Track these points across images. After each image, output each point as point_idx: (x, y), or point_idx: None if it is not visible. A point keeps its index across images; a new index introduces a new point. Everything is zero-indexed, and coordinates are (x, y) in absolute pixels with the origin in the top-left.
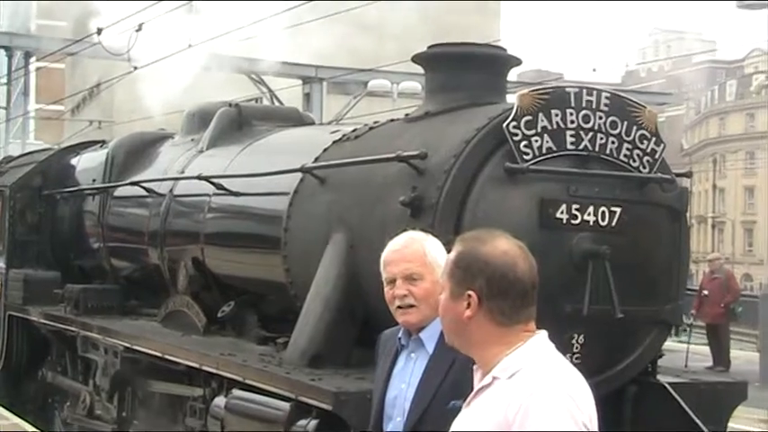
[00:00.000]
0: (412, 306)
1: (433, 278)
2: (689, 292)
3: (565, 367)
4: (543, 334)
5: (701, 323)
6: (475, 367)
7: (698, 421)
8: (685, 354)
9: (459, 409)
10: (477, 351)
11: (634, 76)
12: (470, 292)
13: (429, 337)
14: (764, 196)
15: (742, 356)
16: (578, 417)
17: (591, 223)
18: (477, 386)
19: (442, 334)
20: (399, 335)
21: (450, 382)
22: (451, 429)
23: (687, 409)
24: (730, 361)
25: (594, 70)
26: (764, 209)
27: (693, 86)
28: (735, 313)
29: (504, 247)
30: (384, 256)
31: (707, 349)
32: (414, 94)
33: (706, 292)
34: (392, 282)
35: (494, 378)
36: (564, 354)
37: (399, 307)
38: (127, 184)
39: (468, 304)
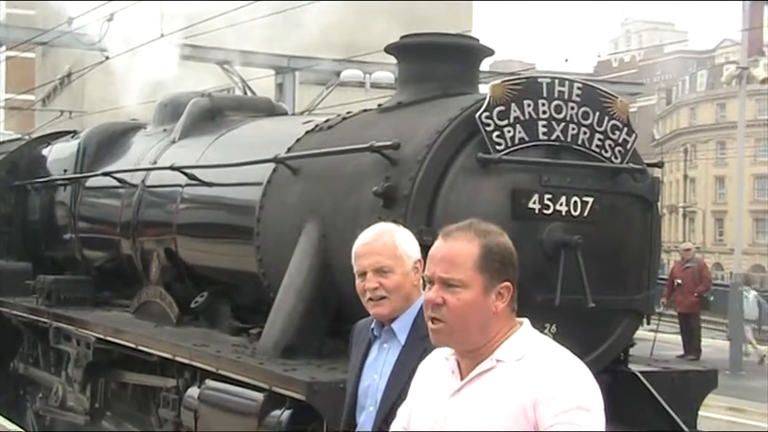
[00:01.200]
0: (383, 298)
1: (403, 270)
2: (659, 282)
3: (566, 350)
4: (527, 320)
5: (671, 312)
6: (445, 357)
7: (669, 409)
8: (652, 342)
9: None
10: (489, 343)
11: (606, 66)
12: (507, 284)
13: (401, 328)
14: (735, 186)
15: (711, 345)
16: (600, 394)
17: (563, 213)
18: (471, 373)
19: (414, 324)
20: (372, 326)
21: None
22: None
23: (659, 397)
24: (701, 349)
25: (567, 60)
26: (735, 198)
27: (664, 76)
28: (707, 302)
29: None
30: (355, 248)
31: (675, 338)
32: (388, 85)
33: (679, 281)
34: (363, 274)
35: (497, 361)
36: None
37: (371, 299)
38: (99, 175)
39: (500, 295)
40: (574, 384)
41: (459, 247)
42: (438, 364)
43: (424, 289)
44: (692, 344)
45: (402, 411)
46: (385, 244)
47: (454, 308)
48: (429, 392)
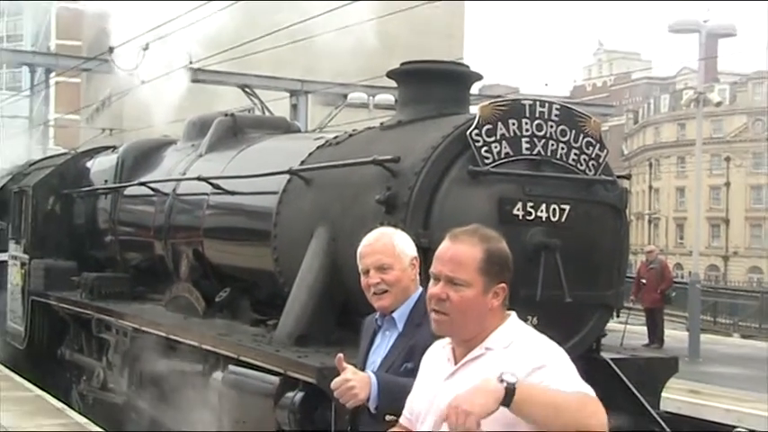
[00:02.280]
0: (385, 291)
1: (401, 266)
2: (627, 280)
3: (547, 338)
4: (514, 313)
5: (638, 307)
6: (442, 345)
7: (636, 392)
8: (622, 334)
9: (411, 370)
10: (482, 334)
11: (581, 90)
12: (503, 285)
13: (400, 317)
14: (693, 195)
15: (673, 335)
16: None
17: (543, 219)
18: (461, 359)
19: (410, 314)
20: (376, 317)
21: (406, 348)
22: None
23: (627, 381)
24: (664, 339)
25: (546, 85)
26: (693, 206)
27: (632, 99)
28: (669, 298)
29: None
30: (359, 250)
31: (642, 329)
32: (389, 106)
33: (644, 280)
34: (366, 272)
35: (486, 349)
36: None
37: (374, 293)
38: (135, 185)
39: (496, 294)
40: (564, 365)
41: (464, 250)
42: (437, 353)
43: (423, 284)
44: (655, 334)
45: (408, 400)
46: (385, 244)
47: (457, 303)
48: (428, 377)
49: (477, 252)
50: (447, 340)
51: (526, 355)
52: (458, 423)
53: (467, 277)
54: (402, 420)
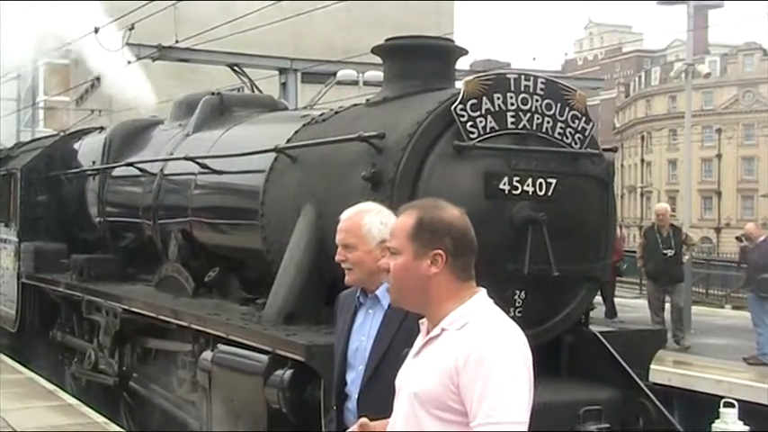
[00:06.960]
0: (350, 269)
1: (366, 248)
2: None
3: (508, 320)
4: (483, 291)
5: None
6: (422, 322)
7: (624, 364)
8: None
9: None
10: (432, 307)
11: (572, 64)
12: (439, 251)
13: (384, 295)
14: (685, 168)
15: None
16: (527, 363)
17: (530, 193)
18: (425, 338)
19: None
20: (357, 294)
21: (404, 331)
22: (400, 377)
23: (615, 354)
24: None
25: (534, 59)
26: (685, 179)
27: (623, 72)
28: (620, 271)
29: (457, 212)
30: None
31: (631, 302)
32: (379, 83)
33: None
34: (338, 247)
35: (442, 329)
36: (507, 308)
37: (345, 268)
38: (123, 165)
39: (432, 262)
40: (502, 351)
41: (399, 221)
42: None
43: None
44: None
45: None
46: (354, 224)
47: (392, 271)
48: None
49: (410, 220)
50: None
51: (471, 340)
52: None
53: (397, 245)
54: None
